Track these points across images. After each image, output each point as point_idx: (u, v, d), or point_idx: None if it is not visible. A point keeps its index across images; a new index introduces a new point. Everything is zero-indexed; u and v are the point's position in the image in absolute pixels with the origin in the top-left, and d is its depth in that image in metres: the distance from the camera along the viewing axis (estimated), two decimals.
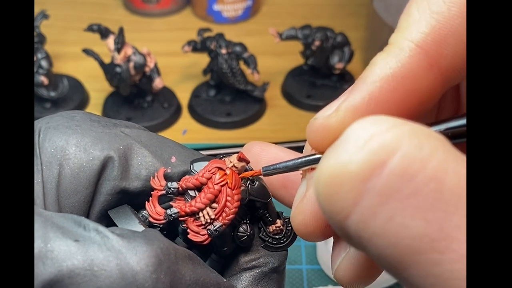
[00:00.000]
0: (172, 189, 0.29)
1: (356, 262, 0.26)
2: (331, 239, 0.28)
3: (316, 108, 0.96)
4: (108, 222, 0.29)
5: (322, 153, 0.25)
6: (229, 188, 0.29)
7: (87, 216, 0.30)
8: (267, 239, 0.32)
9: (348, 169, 0.19)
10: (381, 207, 0.19)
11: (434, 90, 0.24)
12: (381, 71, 0.24)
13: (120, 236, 0.24)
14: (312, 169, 0.27)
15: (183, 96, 0.90)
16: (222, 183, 0.29)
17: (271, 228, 0.32)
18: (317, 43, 0.84)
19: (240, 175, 0.30)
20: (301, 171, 0.28)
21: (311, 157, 0.26)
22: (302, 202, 0.26)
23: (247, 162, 0.30)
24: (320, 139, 0.24)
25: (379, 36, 0.89)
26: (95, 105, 0.89)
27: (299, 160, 0.27)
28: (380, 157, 0.19)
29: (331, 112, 0.24)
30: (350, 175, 0.19)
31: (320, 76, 0.90)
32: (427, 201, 0.19)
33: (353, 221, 0.20)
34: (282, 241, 0.32)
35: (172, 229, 0.30)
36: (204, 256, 0.31)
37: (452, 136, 0.24)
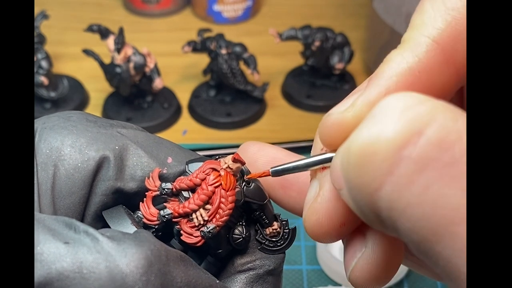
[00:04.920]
0: (166, 189, 0.29)
1: (373, 261, 0.26)
2: None
3: (316, 108, 0.97)
4: (104, 223, 0.29)
5: (334, 151, 0.24)
6: (223, 189, 0.28)
7: (83, 217, 0.29)
8: (264, 241, 0.31)
9: (384, 137, 0.19)
10: (417, 175, 0.19)
11: (449, 85, 0.24)
12: (398, 66, 0.24)
13: (110, 238, 0.23)
14: (324, 168, 0.26)
15: (183, 96, 0.90)
16: (216, 184, 0.28)
17: (268, 230, 0.31)
18: (317, 43, 0.84)
19: (248, 176, 0.29)
20: (310, 171, 0.27)
21: (323, 156, 0.26)
22: (316, 202, 0.26)
23: (243, 163, 0.29)
24: (335, 135, 0.24)
25: (379, 36, 0.89)
26: (95, 106, 0.89)
27: (311, 159, 0.26)
28: (417, 125, 0.19)
29: (347, 107, 0.24)
30: (385, 143, 0.19)
31: (320, 77, 0.90)
32: (465, 171, 0.18)
33: (386, 192, 0.19)
34: (279, 244, 0.32)
35: (168, 230, 0.30)
36: (200, 258, 0.31)
37: None
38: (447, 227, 0.18)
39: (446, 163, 0.19)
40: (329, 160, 0.25)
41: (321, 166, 0.26)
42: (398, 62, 0.24)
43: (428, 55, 0.23)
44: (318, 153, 0.27)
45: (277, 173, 0.28)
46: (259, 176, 0.29)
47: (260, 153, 0.31)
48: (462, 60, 0.24)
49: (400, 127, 0.19)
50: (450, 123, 0.19)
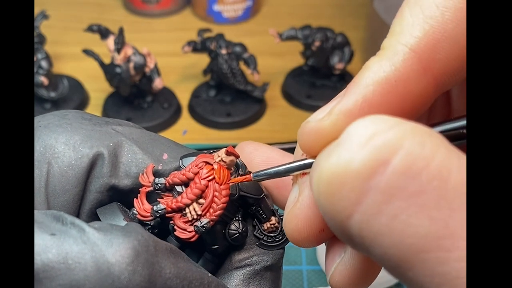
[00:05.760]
0: (159, 185, 0.29)
1: (351, 266, 0.26)
2: None
3: (316, 109, 0.95)
4: (99, 220, 0.29)
5: (314, 157, 0.24)
6: (216, 183, 0.28)
7: (78, 215, 0.29)
8: (261, 237, 0.31)
9: (351, 167, 0.19)
10: (385, 205, 0.19)
11: (427, 94, 0.24)
12: (374, 74, 0.24)
13: (97, 229, 0.23)
14: (304, 174, 0.26)
15: (183, 96, 0.90)
16: (209, 178, 0.28)
17: (266, 225, 0.31)
18: (317, 43, 0.84)
19: (230, 181, 0.29)
20: (291, 176, 0.27)
21: (303, 162, 0.26)
22: (295, 207, 0.26)
23: (236, 156, 0.29)
24: (312, 142, 0.24)
25: (379, 36, 0.89)
26: (95, 106, 0.89)
27: (291, 165, 0.26)
28: (383, 155, 0.19)
29: (324, 115, 0.24)
30: (352, 173, 0.19)
31: (320, 77, 0.90)
32: (432, 199, 0.19)
33: (355, 220, 0.20)
34: (277, 239, 0.31)
35: (165, 227, 0.30)
36: (198, 255, 0.30)
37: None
38: (416, 255, 0.19)
39: (413, 191, 0.19)
40: (308, 166, 0.25)
41: (301, 171, 0.26)
42: (375, 71, 0.24)
43: (405, 64, 0.23)
44: (298, 159, 0.27)
45: (258, 178, 0.28)
46: (241, 181, 0.29)
47: (255, 152, 0.31)
48: (440, 68, 0.24)
49: (367, 157, 0.19)
50: (417, 150, 0.19)
